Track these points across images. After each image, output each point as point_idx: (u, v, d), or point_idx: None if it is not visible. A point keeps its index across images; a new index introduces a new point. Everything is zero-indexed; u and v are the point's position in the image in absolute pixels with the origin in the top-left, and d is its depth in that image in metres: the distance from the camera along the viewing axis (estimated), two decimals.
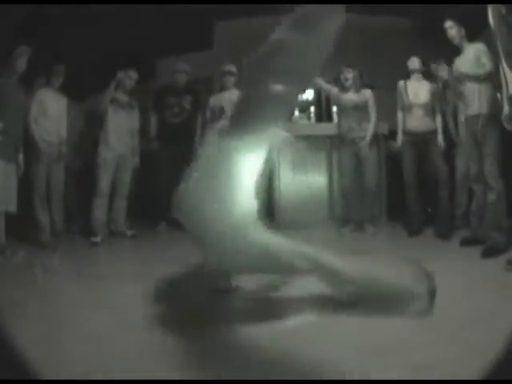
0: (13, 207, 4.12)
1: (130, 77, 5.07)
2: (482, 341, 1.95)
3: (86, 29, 5.31)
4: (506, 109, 3.39)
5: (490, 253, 3.53)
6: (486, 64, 3.79)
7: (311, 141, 5.20)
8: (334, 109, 6.07)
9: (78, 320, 2.42)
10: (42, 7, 4.65)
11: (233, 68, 5.31)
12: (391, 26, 6.15)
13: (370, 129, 4.97)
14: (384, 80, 5.27)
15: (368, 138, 4.95)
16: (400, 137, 4.85)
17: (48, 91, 4.70)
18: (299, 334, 2.18)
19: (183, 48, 5.93)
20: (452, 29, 3.99)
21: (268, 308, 2.62)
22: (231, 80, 5.28)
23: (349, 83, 4.99)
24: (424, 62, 4.83)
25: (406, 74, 4.87)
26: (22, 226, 4.59)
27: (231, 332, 2.24)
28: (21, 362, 1.60)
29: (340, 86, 5.08)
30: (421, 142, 4.75)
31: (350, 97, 4.99)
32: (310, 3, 2.21)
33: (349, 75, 4.98)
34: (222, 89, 5.36)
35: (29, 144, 4.46)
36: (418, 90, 4.79)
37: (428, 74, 4.85)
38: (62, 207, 4.89)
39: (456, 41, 3.99)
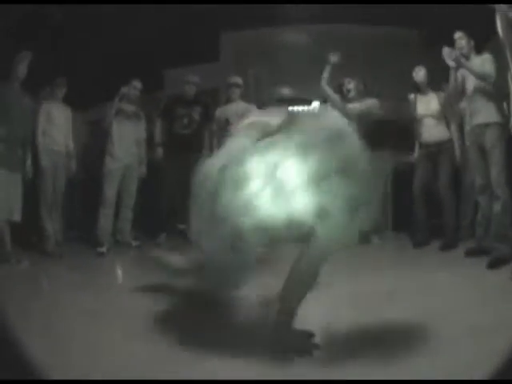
0: (17, 216, 4.15)
1: (134, 87, 5.11)
2: (486, 351, 1.93)
3: (93, 38, 5.36)
4: None
5: (495, 264, 3.52)
6: (490, 71, 3.81)
7: None
8: None
9: (84, 330, 2.41)
10: (46, 15, 4.69)
11: (239, 80, 5.35)
12: (395, 37, 6.17)
13: None
14: (388, 90, 5.27)
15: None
16: (417, 151, 4.87)
17: (53, 102, 4.79)
18: None
19: (190, 59, 5.96)
20: (462, 39, 4.02)
21: None
22: (237, 92, 5.31)
23: (351, 94, 4.99)
24: (430, 73, 4.83)
25: (411, 85, 4.89)
26: (27, 235, 4.64)
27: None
28: (27, 368, 1.62)
29: (342, 96, 5.07)
30: (434, 152, 4.75)
31: (355, 106, 4.96)
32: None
33: (350, 86, 4.99)
34: (228, 101, 5.40)
35: (36, 154, 4.52)
36: (427, 101, 4.81)
37: (434, 85, 4.86)
38: (62, 217, 4.92)
39: (464, 51, 3.99)
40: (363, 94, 5.03)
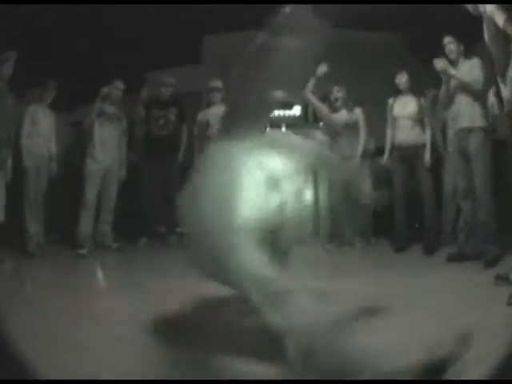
0: (1, 216, 4.12)
1: (116, 87, 5.06)
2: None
3: (77, 39, 5.33)
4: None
5: (492, 263, 3.60)
6: (478, 77, 3.85)
7: None
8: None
9: (66, 330, 2.39)
10: (32, 15, 4.62)
11: (219, 84, 5.34)
12: (379, 41, 6.21)
13: (359, 147, 4.96)
14: (372, 95, 5.29)
15: (359, 157, 4.92)
16: (387, 154, 4.88)
17: (39, 106, 4.76)
18: None
19: (173, 62, 5.94)
20: (451, 44, 4.05)
21: None
22: (218, 96, 5.30)
23: (339, 103, 5.00)
24: (412, 78, 4.86)
25: (394, 90, 4.91)
26: (10, 235, 4.60)
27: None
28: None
29: (329, 104, 5.08)
30: (409, 156, 4.77)
31: (341, 116, 4.99)
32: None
33: (338, 94, 4.99)
34: (209, 104, 5.37)
35: (19, 156, 4.52)
36: (404, 104, 4.82)
37: (416, 90, 4.88)
38: (44, 218, 4.83)
39: (452, 56, 4.03)
40: (349, 103, 5.04)
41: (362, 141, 4.98)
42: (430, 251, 4.52)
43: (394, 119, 4.84)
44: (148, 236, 5.27)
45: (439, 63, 3.88)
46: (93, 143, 4.93)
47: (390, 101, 4.90)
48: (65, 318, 2.60)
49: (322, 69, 4.73)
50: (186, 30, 5.73)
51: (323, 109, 5.10)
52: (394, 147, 4.85)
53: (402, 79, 4.85)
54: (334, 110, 5.02)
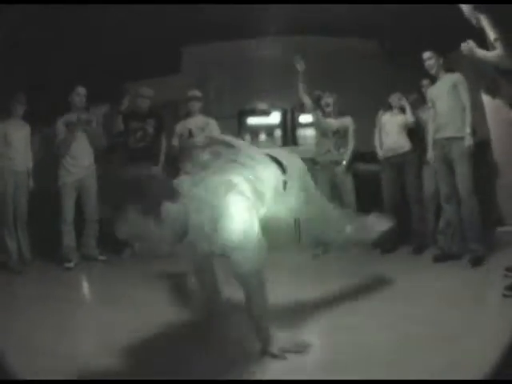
0: None
1: (78, 93, 4.98)
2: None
3: (51, 51, 5.27)
4: None
5: (477, 262, 3.78)
6: (462, 93, 4.01)
7: None
8: (301, 133, 6.29)
9: (54, 341, 2.43)
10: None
11: (198, 93, 5.35)
12: (357, 48, 6.30)
13: (347, 154, 5.06)
14: (353, 104, 5.37)
15: (345, 163, 5.03)
16: (380, 153, 5.05)
17: (11, 121, 4.75)
18: None
19: (151, 72, 5.92)
20: (431, 59, 4.17)
21: None
22: (197, 105, 5.31)
23: (329, 109, 5.07)
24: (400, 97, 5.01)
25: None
26: None
27: None
28: None
29: (321, 110, 5.15)
30: (398, 162, 4.94)
31: (332, 122, 5.08)
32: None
33: (329, 100, 5.07)
34: (188, 114, 5.37)
35: None
36: (393, 115, 5.03)
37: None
38: (29, 233, 4.86)
39: (433, 71, 4.18)
40: (339, 109, 5.13)
41: (350, 148, 5.09)
42: (419, 251, 4.72)
43: (384, 129, 5.02)
44: (132, 247, 5.19)
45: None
46: (63, 155, 4.89)
47: (380, 112, 5.09)
48: (52, 330, 2.64)
49: (300, 64, 4.89)
50: (165, 40, 5.72)
51: (315, 112, 5.17)
52: (383, 154, 5.02)
53: (395, 99, 5.01)
54: (324, 114, 5.11)
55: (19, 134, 4.78)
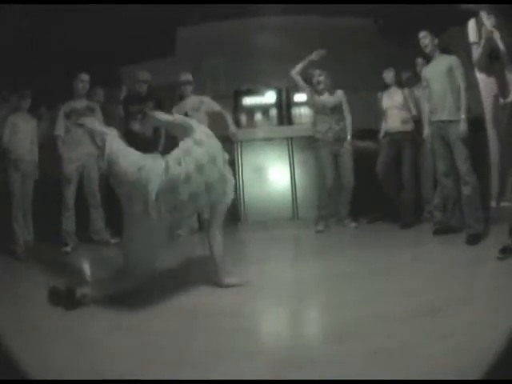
0: None
1: (81, 80, 5.02)
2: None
3: (46, 38, 5.29)
4: None
5: (473, 241, 3.84)
6: (458, 77, 4.07)
7: (273, 142, 5.56)
8: (296, 111, 6.34)
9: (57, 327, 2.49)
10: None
11: (189, 77, 5.43)
12: (352, 27, 6.34)
13: (348, 128, 5.18)
14: (348, 80, 5.44)
15: (349, 137, 5.15)
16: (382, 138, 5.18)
17: (19, 114, 4.84)
18: None
19: (147, 55, 5.93)
20: (426, 38, 4.21)
21: None
22: (189, 88, 5.41)
23: (321, 86, 5.14)
24: (397, 73, 5.13)
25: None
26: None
27: None
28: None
29: (311, 87, 5.22)
30: (398, 140, 5.05)
31: (327, 99, 5.16)
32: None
33: (321, 78, 5.13)
34: (182, 97, 5.46)
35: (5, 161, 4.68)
36: (391, 96, 5.12)
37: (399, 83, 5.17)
38: (31, 219, 4.94)
39: (428, 49, 4.23)
40: (331, 85, 5.20)
41: (349, 122, 5.21)
42: (408, 225, 4.88)
43: (384, 110, 5.13)
44: None
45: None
46: (64, 144, 4.95)
47: (379, 94, 5.18)
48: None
49: (319, 53, 4.98)
50: (159, 22, 5.72)
51: (307, 91, 5.24)
52: (385, 133, 5.13)
53: (389, 74, 5.12)
54: (317, 92, 5.17)
55: (26, 127, 4.87)
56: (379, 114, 5.21)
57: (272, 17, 6.28)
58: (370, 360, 1.87)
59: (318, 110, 5.23)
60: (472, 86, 4.42)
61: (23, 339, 2.20)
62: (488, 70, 3.72)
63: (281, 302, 2.88)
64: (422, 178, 5.12)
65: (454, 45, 4.19)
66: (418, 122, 4.99)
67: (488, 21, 3.45)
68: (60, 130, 4.95)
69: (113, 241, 5.04)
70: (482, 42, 3.68)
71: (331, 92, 5.18)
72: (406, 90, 5.08)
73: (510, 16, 3.39)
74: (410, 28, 4.31)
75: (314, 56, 4.99)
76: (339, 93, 5.20)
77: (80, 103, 5.04)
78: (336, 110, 5.15)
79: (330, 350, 2.02)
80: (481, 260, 3.43)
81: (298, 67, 5.06)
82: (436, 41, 4.21)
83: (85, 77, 5.05)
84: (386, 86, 5.18)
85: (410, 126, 5.05)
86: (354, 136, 5.27)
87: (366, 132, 5.39)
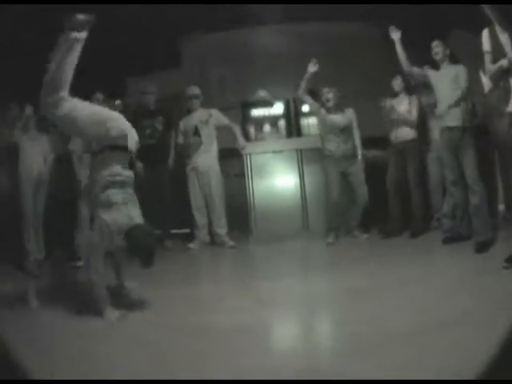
0: None
1: (97, 99, 4.95)
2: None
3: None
4: None
5: (482, 248, 3.83)
6: (463, 84, 4.12)
7: (282, 154, 5.57)
8: (305, 122, 6.42)
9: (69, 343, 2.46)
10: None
11: (197, 90, 5.45)
12: (359, 34, 6.36)
13: (358, 148, 5.15)
14: (355, 87, 5.43)
15: (360, 157, 5.12)
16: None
17: (29, 134, 4.89)
18: None
19: (152, 66, 5.96)
20: (438, 47, 4.26)
21: None
22: (197, 102, 5.42)
23: (330, 104, 5.09)
24: (404, 80, 5.07)
25: (389, 92, 5.16)
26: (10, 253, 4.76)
27: None
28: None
29: (321, 104, 5.18)
30: (402, 150, 5.05)
31: (338, 119, 5.10)
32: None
33: (329, 95, 5.09)
34: (190, 111, 5.47)
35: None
36: (398, 104, 5.11)
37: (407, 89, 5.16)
38: (43, 235, 4.96)
39: (438, 57, 4.27)
40: (340, 103, 5.18)
41: (358, 141, 5.17)
42: (417, 234, 4.89)
43: (390, 118, 5.12)
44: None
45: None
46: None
47: (386, 102, 5.18)
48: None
49: (313, 67, 4.88)
50: (165, 32, 5.75)
51: (320, 110, 5.18)
52: (390, 142, 5.14)
53: (396, 82, 5.12)
54: (328, 110, 5.13)
55: (36, 145, 4.91)
56: (387, 122, 5.18)
57: (280, 25, 6.32)
58: (382, 376, 1.82)
59: (327, 129, 5.18)
60: (478, 92, 4.45)
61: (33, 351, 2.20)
62: (498, 80, 3.70)
63: (292, 317, 2.86)
64: (429, 186, 5.12)
65: (459, 48, 4.21)
66: (422, 129, 5.00)
67: (503, 35, 3.47)
68: (75, 145, 4.92)
69: None
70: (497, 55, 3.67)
71: (341, 110, 5.13)
72: (414, 97, 5.07)
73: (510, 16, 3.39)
74: (419, 36, 4.35)
75: (310, 69, 4.89)
76: (350, 112, 5.16)
77: None
78: (346, 129, 5.11)
79: (341, 364, 1.98)
80: (490, 269, 3.36)
81: (303, 85, 4.97)
82: (448, 51, 4.26)
83: (99, 96, 5.02)
84: (394, 94, 5.17)
85: (415, 134, 5.05)
86: (363, 146, 5.25)
87: (374, 140, 5.35)
